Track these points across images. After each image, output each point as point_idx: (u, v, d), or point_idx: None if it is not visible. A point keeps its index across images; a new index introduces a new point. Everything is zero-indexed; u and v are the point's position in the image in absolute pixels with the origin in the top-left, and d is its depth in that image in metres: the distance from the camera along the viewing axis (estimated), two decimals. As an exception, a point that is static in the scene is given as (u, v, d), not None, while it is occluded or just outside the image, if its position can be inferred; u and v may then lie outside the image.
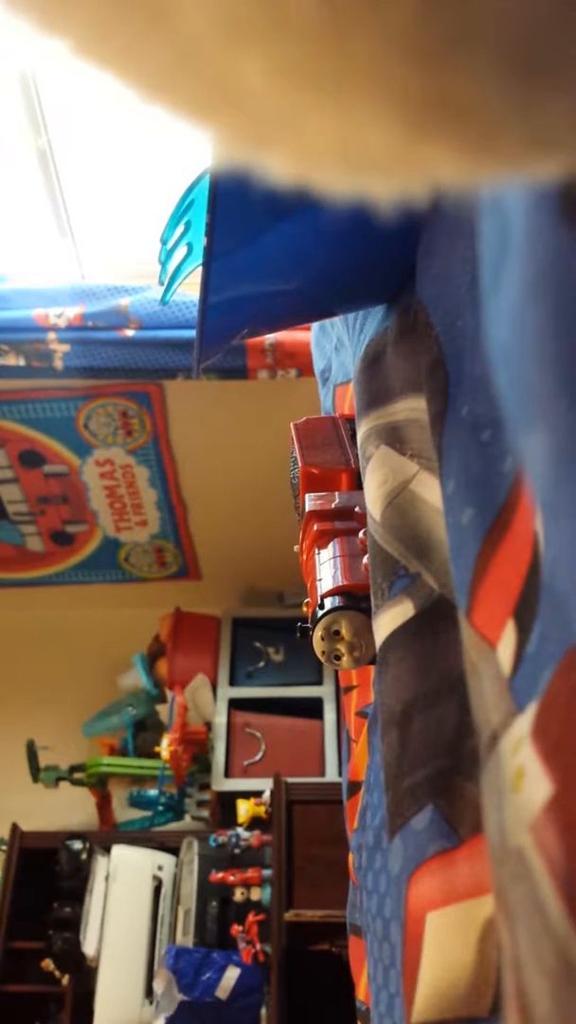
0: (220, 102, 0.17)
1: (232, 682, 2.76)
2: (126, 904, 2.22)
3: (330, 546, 0.82)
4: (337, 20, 0.15)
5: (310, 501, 0.87)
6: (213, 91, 0.17)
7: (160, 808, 2.54)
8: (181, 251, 0.88)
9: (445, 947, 0.48)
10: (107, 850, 2.31)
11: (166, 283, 0.88)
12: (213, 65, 0.16)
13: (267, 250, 0.71)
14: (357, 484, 0.87)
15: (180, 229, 0.88)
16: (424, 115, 0.16)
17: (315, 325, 1.33)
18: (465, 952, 0.47)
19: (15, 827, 2.41)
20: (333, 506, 0.86)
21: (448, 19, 0.15)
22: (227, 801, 2.48)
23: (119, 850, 2.30)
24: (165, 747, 2.42)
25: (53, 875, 2.26)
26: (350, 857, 0.94)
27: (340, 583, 0.77)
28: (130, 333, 2.12)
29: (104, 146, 2.08)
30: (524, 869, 0.35)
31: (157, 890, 2.27)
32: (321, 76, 0.16)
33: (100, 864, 2.27)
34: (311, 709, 2.64)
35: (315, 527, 0.84)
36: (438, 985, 0.47)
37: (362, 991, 0.84)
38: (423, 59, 0.15)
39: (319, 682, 2.70)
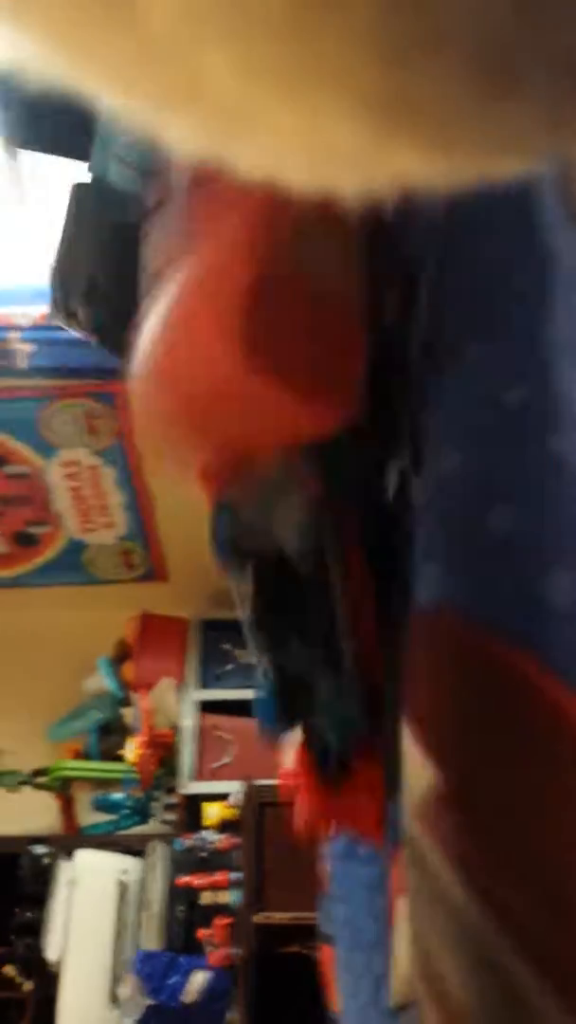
0: (187, 98, 0.17)
1: (201, 684, 2.75)
2: (90, 909, 2.20)
3: None
4: (302, 20, 0.15)
5: None
6: (180, 87, 0.17)
7: (126, 812, 2.53)
8: None
9: (405, 931, 0.48)
10: (70, 854, 2.29)
11: None
12: (179, 62, 0.16)
13: None
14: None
15: None
16: (388, 114, 0.16)
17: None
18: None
19: (-22, 832, 2.39)
20: None
21: (411, 22, 0.15)
22: (195, 804, 2.48)
23: (82, 855, 2.28)
24: (132, 750, 2.40)
25: (15, 880, 2.23)
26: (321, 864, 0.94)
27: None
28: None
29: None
30: (417, 855, 0.35)
31: (122, 895, 2.26)
32: (287, 74, 0.16)
33: (63, 869, 2.25)
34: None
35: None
36: (404, 968, 0.47)
37: (334, 1001, 0.83)
38: (387, 60, 0.15)
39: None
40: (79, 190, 0.77)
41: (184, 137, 0.18)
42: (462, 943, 0.32)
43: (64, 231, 0.79)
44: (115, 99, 0.18)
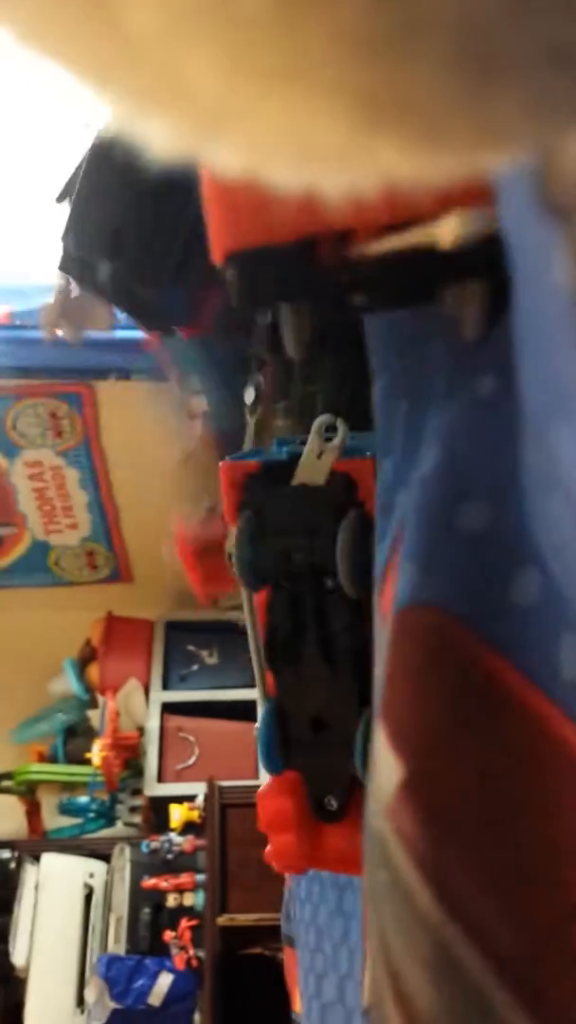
0: (168, 94, 0.17)
1: (165, 686, 2.73)
2: (56, 913, 2.18)
3: None
4: (286, 13, 0.15)
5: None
6: (161, 83, 0.17)
7: (91, 815, 2.51)
8: None
9: None
10: (36, 859, 2.27)
11: None
12: (160, 58, 0.16)
13: None
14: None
15: None
16: (374, 108, 0.16)
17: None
18: None
19: None
20: None
21: (398, 13, 0.15)
22: (160, 806, 2.46)
23: (49, 858, 2.26)
24: (96, 753, 2.38)
25: (-19, 886, 2.21)
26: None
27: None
28: (60, 332, 2.09)
29: (28, 138, 2.05)
30: (385, 855, 0.35)
31: (88, 898, 2.24)
32: (270, 69, 0.16)
33: (29, 873, 2.23)
34: (245, 712, 2.63)
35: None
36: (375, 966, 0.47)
37: (297, 1003, 0.83)
38: (373, 52, 0.15)
39: (253, 684, 2.69)
40: (103, 143, 0.73)
41: (166, 134, 0.18)
42: (425, 945, 0.32)
43: (84, 183, 0.75)
44: (95, 94, 0.18)
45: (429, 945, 0.31)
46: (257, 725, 0.63)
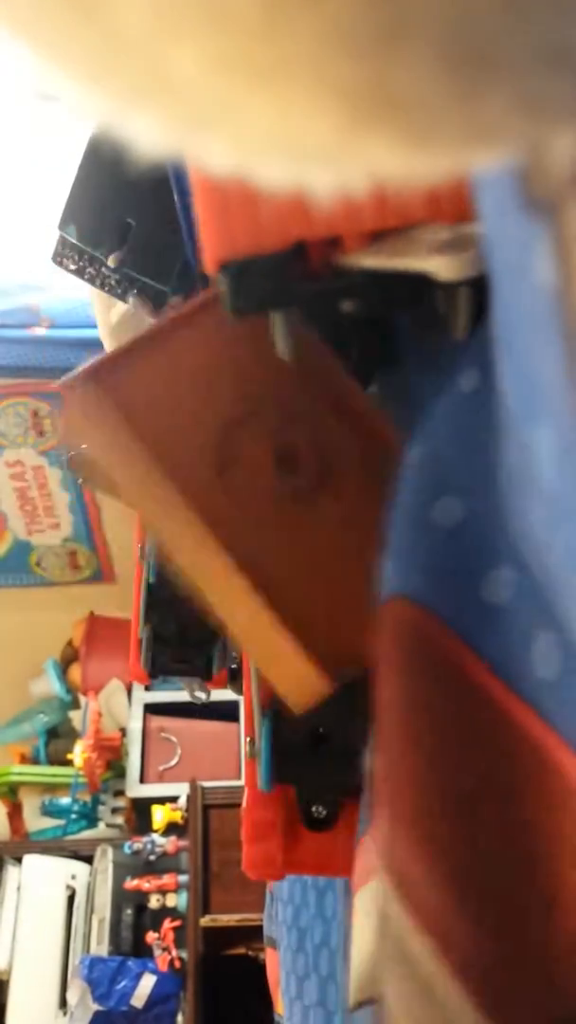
0: (155, 91, 0.17)
1: (147, 686, 2.72)
2: (38, 915, 2.18)
3: None
4: (274, 9, 0.15)
5: None
6: (148, 79, 0.17)
7: (73, 816, 2.50)
8: None
9: (360, 925, 0.48)
10: (18, 860, 2.26)
11: None
12: (148, 53, 0.16)
13: None
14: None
15: None
16: (361, 106, 0.16)
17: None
18: (370, 929, 0.47)
19: None
20: None
21: (388, 10, 0.14)
22: (142, 807, 2.46)
23: (31, 860, 2.25)
24: (79, 754, 2.38)
25: (-38, 888, 2.20)
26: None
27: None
28: (41, 331, 2.08)
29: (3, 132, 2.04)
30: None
31: (71, 900, 2.23)
32: (257, 67, 0.16)
33: (11, 875, 2.23)
34: (227, 712, 2.63)
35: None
36: (360, 965, 0.47)
37: (280, 1004, 0.83)
38: (360, 51, 0.15)
39: (235, 685, 2.69)
40: (95, 143, 0.73)
41: (153, 130, 0.18)
42: (385, 939, 0.32)
43: (85, 172, 0.75)
44: (81, 90, 0.18)
45: (388, 939, 0.32)
46: (254, 737, 0.62)
